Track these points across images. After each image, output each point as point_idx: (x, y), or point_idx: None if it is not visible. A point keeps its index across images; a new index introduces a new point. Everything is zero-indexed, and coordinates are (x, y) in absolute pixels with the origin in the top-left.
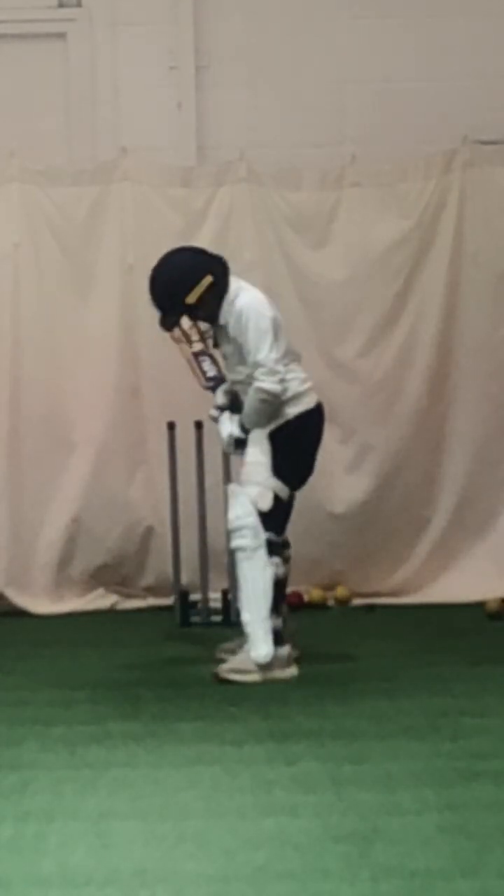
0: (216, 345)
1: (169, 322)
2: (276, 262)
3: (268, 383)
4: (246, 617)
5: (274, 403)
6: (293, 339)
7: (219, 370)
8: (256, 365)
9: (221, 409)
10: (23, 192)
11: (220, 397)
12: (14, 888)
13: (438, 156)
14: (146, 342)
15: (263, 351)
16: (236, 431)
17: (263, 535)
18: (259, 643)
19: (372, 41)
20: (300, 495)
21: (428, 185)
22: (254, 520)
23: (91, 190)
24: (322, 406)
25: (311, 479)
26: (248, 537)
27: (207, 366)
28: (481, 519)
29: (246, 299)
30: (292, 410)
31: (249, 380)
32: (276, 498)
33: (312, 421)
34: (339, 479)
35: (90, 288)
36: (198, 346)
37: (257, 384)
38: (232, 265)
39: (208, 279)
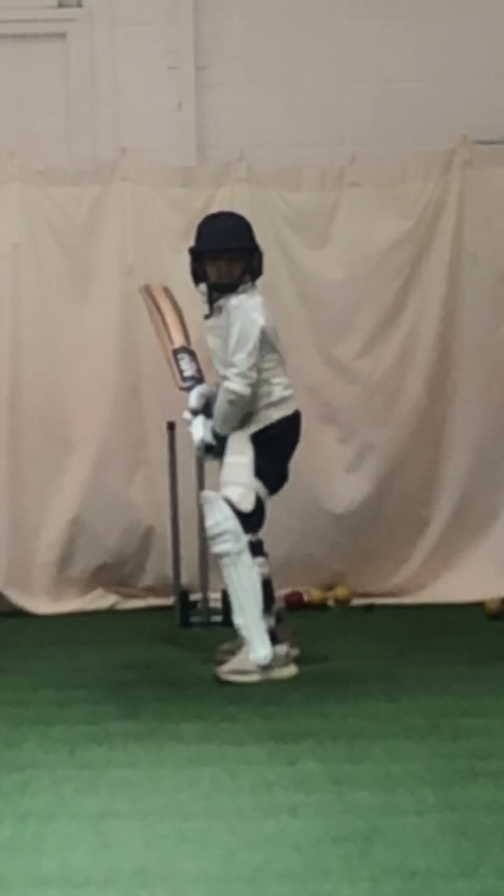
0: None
1: (234, 243)
2: (275, 262)
3: (237, 384)
4: (240, 621)
5: (240, 405)
6: (293, 339)
7: (198, 369)
8: (230, 364)
9: (195, 412)
10: (23, 192)
11: (195, 400)
12: (14, 888)
13: (438, 156)
14: (146, 342)
15: (240, 354)
16: (208, 437)
17: (245, 538)
18: (257, 645)
19: (372, 41)
20: (300, 495)
21: (427, 185)
22: (234, 524)
23: (91, 190)
24: (300, 414)
25: (311, 479)
26: (231, 541)
27: (186, 364)
28: (481, 519)
29: (244, 299)
30: (276, 414)
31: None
32: (257, 499)
33: (292, 425)
34: (339, 479)
35: (90, 288)
36: (178, 341)
37: (227, 384)
38: None
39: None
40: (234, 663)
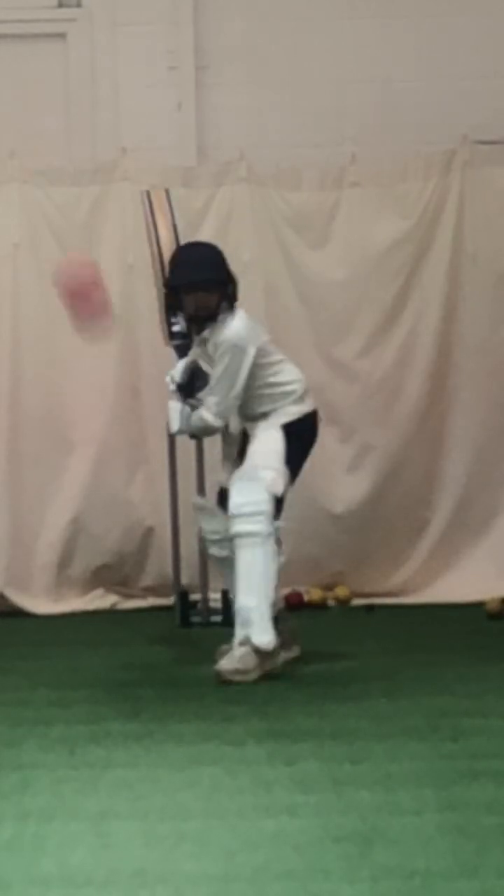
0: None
1: (209, 279)
2: (275, 262)
3: (211, 417)
4: (251, 602)
5: (210, 433)
6: (293, 339)
7: (186, 328)
8: (210, 394)
9: (179, 388)
10: (23, 192)
11: (179, 374)
12: (14, 888)
13: (438, 156)
14: (146, 342)
15: (222, 392)
16: (183, 427)
17: (275, 523)
18: (262, 630)
19: (372, 41)
20: (300, 495)
21: (428, 186)
22: (269, 506)
23: (91, 190)
24: (318, 413)
25: (311, 479)
26: (263, 523)
27: (176, 319)
28: (481, 519)
29: (236, 328)
30: (304, 408)
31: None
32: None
33: (314, 422)
34: (339, 479)
35: None
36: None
37: (203, 412)
38: (232, 265)
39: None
40: (237, 662)
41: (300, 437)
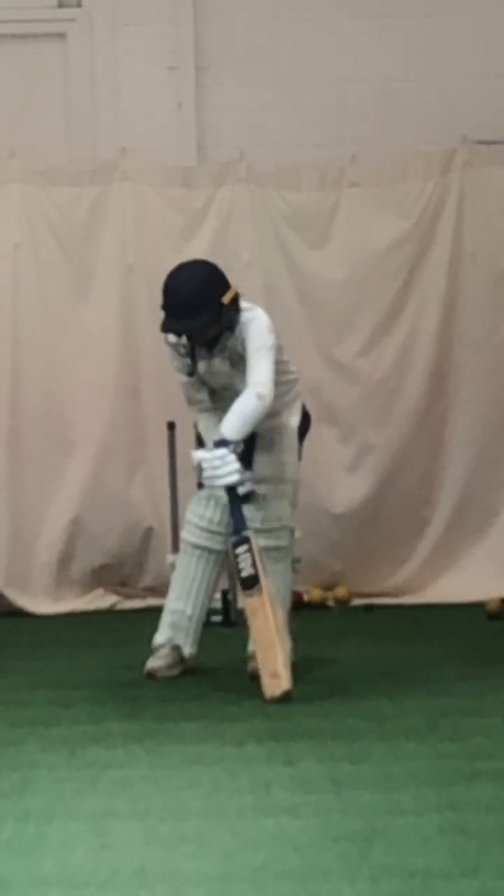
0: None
1: (203, 323)
2: (275, 262)
3: (269, 391)
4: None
5: (266, 407)
6: (293, 339)
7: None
8: (255, 368)
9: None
10: (23, 192)
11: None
12: (14, 888)
13: (438, 156)
14: (146, 342)
15: (267, 366)
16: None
17: (294, 537)
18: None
19: (372, 41)
20: (299, 495)
21: (427, 185)
22: (293, 522)
23: (91, 190)
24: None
25: (311, 480)
26: (286, 539)
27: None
28: (481, 519)
29: (258, 312)
30: (302, 402)
31: (233, 385)
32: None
33: (306, 413)
34: (339, 479)
35: (90, 288)
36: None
37: (259, 391)
38: (232, 265)
39: (234, 289)
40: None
41: (306, 429)
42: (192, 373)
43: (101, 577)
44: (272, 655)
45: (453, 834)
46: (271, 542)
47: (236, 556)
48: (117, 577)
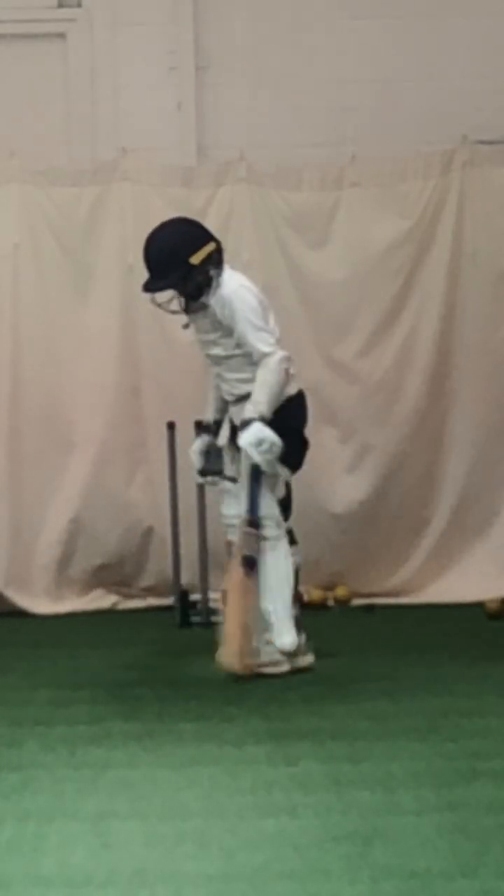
0: (187, 324)
1: (162, 284)
2: (275, 262)
3: (279, 352)
4: (269, 607)
5: (283, 376)
6: (293, 340)
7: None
8: (263, 355)
9: (201, 473)
10: (23, 192)
11: (197, 459)
12: (14, 888)
13: (438, 156)
14: (146, 342)
15: (256, 329)
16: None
17: (284, 525)
18: (284, 632)
19: (372, 41)
20: (300, 495)
21: (427, 185)
22: (277, 511)
23: (91, 190)
24: (304, 394)
25: (311, 480)
26: (272, 527)
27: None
28: (481, 519)
29: (232, 286)
30: (291, 389)
31: (231, 354)
32: (286, 485)
33: (302, 402)
34: (339, 479)
35: (90, 288)
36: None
37: (272, 356)
38: (232, 265)
39: (212, 244)
40: (263, 656)
41: (299, 414)
42: (186, 325)
43: (101, 577)
44: (239, 635)
45: (453, 834)
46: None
47: (245, 533)
48: (117, 577)
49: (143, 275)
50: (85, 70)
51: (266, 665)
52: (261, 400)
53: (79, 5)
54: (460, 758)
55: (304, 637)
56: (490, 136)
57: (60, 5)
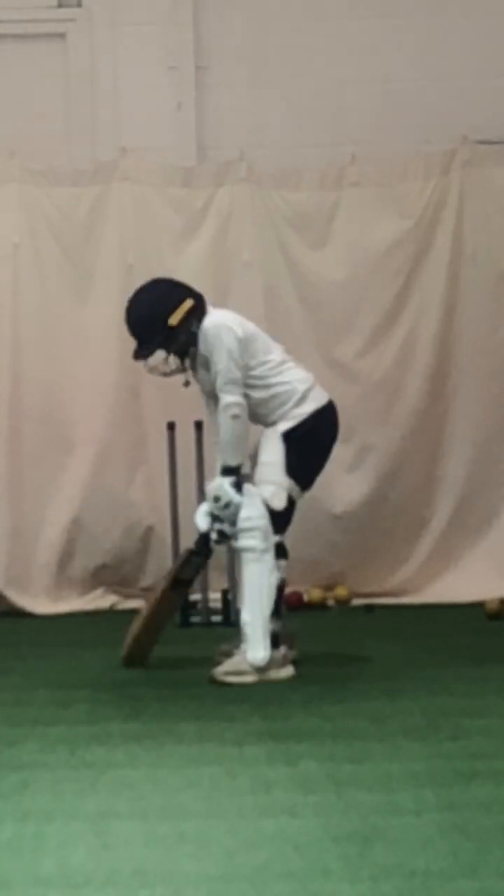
0: (192, 370)
1: (147, 350)
2: (275, 262)
3: (230, 395)
4: (246, 618)
5: (243, 418)
6: (293, 339)
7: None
8: (217, 375)
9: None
10: (23, 192)
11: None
12: (14, 888)
13: (438, 156)
14: None
15: (220, 364)
16: (204, 525)
17: (273, 539)
18: (257, 646)
19: (372, 41)
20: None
21: (427, 185)
22: (266, 522)
23: (91, 190)
24: (334, 404)
25: None
26: (259, 539)
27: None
28: (481, 519)
29: (211, 319)
30: (306, 409)
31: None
32: (289, 499)
33: (326, 418)
34: (339, 479)
35: (90, 288)
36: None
37: (223, 399)
38: (231, 265)
39: (189, 302)
40: (229, 664)
41: (306, 441)
42: (186, 384)
43: (101, 577)
44: (136, 632)
45: (453, 834)
46: (241, 543)
47: (189, 557)
48: (117, 577)
49: (144, 275)
50: (85, 70)
51: (231, 673)
52: (228, 454)
53: (79, 5)
54: (460, 758)
55: (282, 650)
56: (490, 136)
57: (60, 5)
